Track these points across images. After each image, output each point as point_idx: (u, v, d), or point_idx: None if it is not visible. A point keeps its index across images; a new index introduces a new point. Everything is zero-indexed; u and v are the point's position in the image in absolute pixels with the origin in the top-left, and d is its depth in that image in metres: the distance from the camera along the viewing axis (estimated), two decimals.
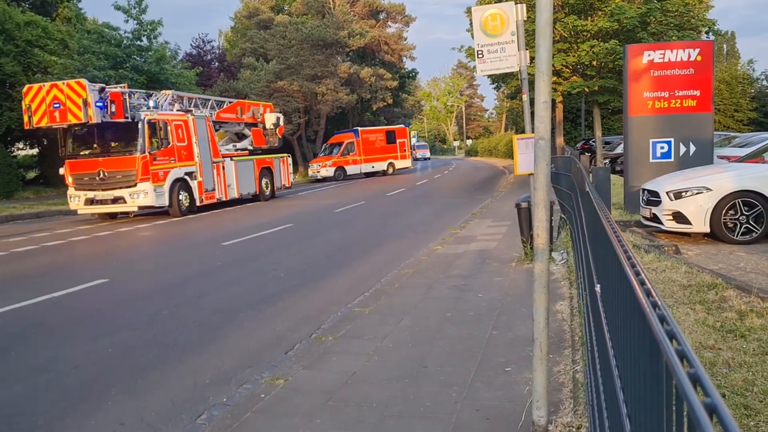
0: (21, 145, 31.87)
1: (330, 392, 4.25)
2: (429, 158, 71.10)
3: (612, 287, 2.13)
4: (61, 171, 16.83)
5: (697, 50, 11.15)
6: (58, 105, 15.10)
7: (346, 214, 16.30)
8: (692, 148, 11.12)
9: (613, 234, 2.07)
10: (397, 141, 37.43)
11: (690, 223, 8.85)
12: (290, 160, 24.59)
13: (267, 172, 22.07)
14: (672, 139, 11.20)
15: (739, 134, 23.82)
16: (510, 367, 4.50)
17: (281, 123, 23.86)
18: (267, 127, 22.94)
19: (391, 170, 36.77)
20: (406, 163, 38.59)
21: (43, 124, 15.51)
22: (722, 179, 8.95)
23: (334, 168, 33.94)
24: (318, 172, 33.99)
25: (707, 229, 8.77)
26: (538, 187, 3.33)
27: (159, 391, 4.62)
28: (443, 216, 15.22)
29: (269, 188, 22.11)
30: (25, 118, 15.53)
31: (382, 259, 9.69)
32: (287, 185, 23.69)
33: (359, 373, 4.59)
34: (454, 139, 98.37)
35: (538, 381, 3.41)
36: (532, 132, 3.62)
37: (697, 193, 8.81)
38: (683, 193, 8.91)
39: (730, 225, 8.65)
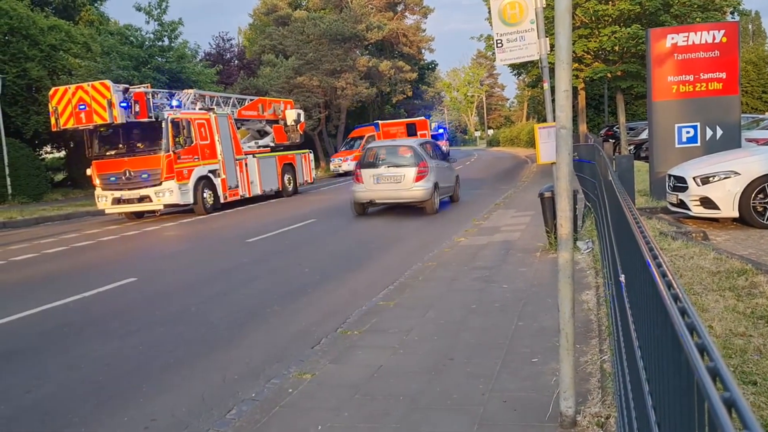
0: (49, 148, 32.49)
1: (357, 386, 4.28)
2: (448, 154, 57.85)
3: (635, 278, 2.12)
4: (88, 172, 17.12)
5: (722, 32, 10.92)
6: (83, 106, 15.33)
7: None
8: (719, 132, 10.91)
9: (635, 224, 2.06)
10: (418, 133, 37.25)
11: (718, 208, 8.70)
12: (312, 155, 24.67)
13: (289, 168, 22.17)
14: (698, 124, 11.01)
15: None
16: (536, 358, 4.49)
17: (302, 119, 23.92)
18: (288, 123, 23.03)
19: None
20: None
21: (70, 125, 15.76)
22: (751, 163, 8.78)
23: (355, 162, 33.92)
24: (340, 166, 34.01)
25: (736, 214, 8.61)
26: (560, 177, 3.30)
27: (189, 387, 4.70)
28: (466, 207, 15.17)
29: (292, 184, 22.22)
30: (52, 121, 15.80)
31: (405, 251, 9.70)
32: (309, 181, 23.77)
33: (385, 367, 4.61)
34: (476, 130, 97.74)
35: (565, 371, 3.40)
36: (554, 121, 3.59)
37: (725, 178, 8.66)
38: (710, 178, 8.76)
39: (760, 209, 8.49)
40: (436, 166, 14.29)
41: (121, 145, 16.66)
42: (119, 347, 5.74)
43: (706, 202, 8.79)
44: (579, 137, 26.42)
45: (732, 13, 23.65)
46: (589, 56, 23.57)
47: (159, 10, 25.97)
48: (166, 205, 16.71)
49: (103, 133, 16.69)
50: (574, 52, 21.03)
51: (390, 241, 10.90)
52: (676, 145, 11.10)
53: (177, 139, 16.47)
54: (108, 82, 15.58)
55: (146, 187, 16.29)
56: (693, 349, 0.90)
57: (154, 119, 16.22)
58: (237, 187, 18.95)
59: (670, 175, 9.67)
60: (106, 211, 17.08)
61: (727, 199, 8.59)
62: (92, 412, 4.34)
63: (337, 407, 3.95)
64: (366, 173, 13.92)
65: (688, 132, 11.07)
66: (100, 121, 15.38)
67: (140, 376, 4.98)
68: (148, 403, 4.43)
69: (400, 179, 13.57)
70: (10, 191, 22.46)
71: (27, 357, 5.63)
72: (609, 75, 23.07)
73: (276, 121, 22.98)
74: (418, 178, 13.46)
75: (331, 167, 35.07)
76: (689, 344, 0.92)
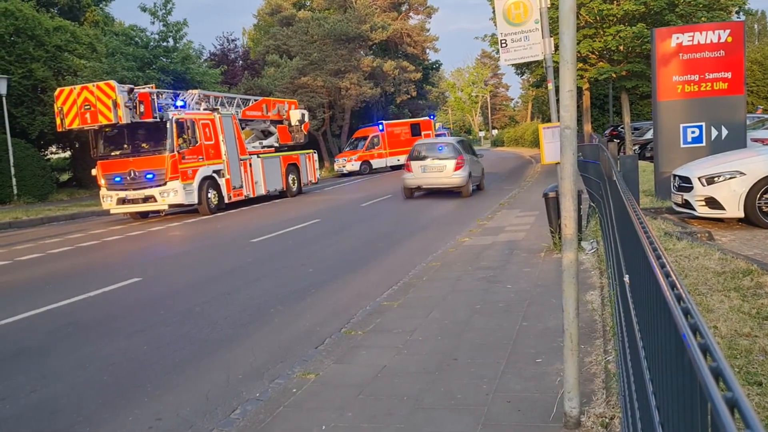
0: (54, 149, 32.59)
1: (360, 386, 4.29)
2: None
3: (639, 278, 2.11)
4: (93, 172, 17.18)
5: (728, 31, 10.89)
6: (88, 107, 15.40)
7: (372, 208, 16.34)
8: (724, 132, 10.88)
9: (638, 224, 2.05)
10: (422, 133, 37.26)
11: (723, 209, 8.67)
12: (316, 155, 24.69)
13: (293, 168, 22.21)
14: (703, 124, 10.98)
15: None
16: (541, 359, 4.49)
17: (306, 119, 23.95)
18: (292, 123, 23.07)
19: None
20: None
21: (75, 126, 15.83)
22: (756, 162, 8.75)
23: (359, 162, 33.94)
24: (344, 166, 34.04)
25: (741, 214, 8.59)
26: (564, 177, 3.30)
27: (193, 386, 4.71)
28: (470, 207, 15.16)
29: (296, 184, 22.25)
30: (58, 121, 15.87)
31: (409, 252, 9.71)
32: (314, 181, 23.81)
33: (389, 367, 4.62)
34: (480, 130, 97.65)
35: (569, 372, 3.40)
36: (558, 121, 3.59)
37: (730, 178, 8.63)
38: (716, 178, 8.73)
39: (765, 209, 8.46)
40: (469, 159, 17.65)
41: (125, 146, 16.71)
42: (124, 347, 5.76)
43: (711, 203, 8.76)
44: (583, 137, 26.36)
45: (737, 12, 23.55)
46: (593, 56, 23.51)
47: (164, 11, 25.99)
48: (170, 205, 16.76)
49: (108, 134, 16.75)
50: (578, 51, 20.99)
51: (394, 240, 10.91)
52: (681, 145, 11.08)
53: (181, 140, 16.53)
54: (113, 83, 15.64)
55: (151, 187, 16.35)
56: (696, 349, 0.90)
57: (158, 119, 16.27)
58: (241, 187, 19.00)
59: (675, 175, 9.65)
60: (111, 211, 17.14)
61: (732, 200, 8.56)
62: (97, 411, 4.36)
63: (341, 407, 3.96)
64: (415, 164, 17.31)
65: (693, 132, 11.05)
66: (105, 122, 15.45)
67: (145, 375, 5.00)
68: (153, 403, 4.44)
69: (443, 169, 16.93)
70: (15, 191, 22.54)
71: (33, 356, 5.66)
72: (614, 75, 23.01)
73: (280, 122, 23.02)
74: (457, 168, 16.84)
75: (335, 167, 35.10)
76: (692, 344, 0.92)
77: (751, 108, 38.99)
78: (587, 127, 28.67)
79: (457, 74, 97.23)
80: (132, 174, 16.41)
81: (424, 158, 17.26)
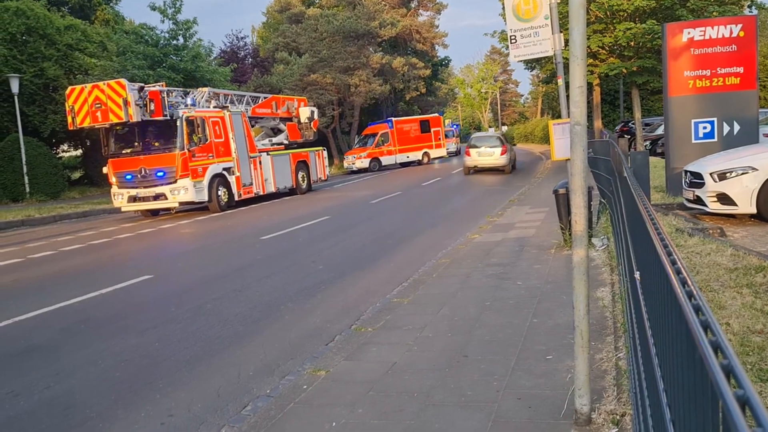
0: (66, 147, 32.82)
1: (371, 382, 4.30)
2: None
3: (650, 275, 2.11)
4: (105, 170, 17.30)
5: (740, 26, 10.79)
6: (99, 105, 15.49)
7: (382, 205, 16.34)
8: (736, 127, 10.79)
9: (649, 220, 2.04)
10: (432, 130, 37.21)
11: (735, 205, 8.61)
12: (325, 152, 24.72)
13: (303, 165, 22.25)
14: (715, 119, 10.89)
15: None
16: (551, 355, 4.48)
17: (316, 116, 23.99)
18: (302, 121, 23.11)
19: (426, 160, 36.61)
20: (441, 152, 38.31)
21: (86, 124, 15.94)
22: None
23: (369, 159, 33.94)
24: (353, 163, 34.06)
25: (754, 210, 8.52)
26: (575, 173, 3.29)
27: (205, 383, 4.74)
28: (480, 204, 15.13)
29: (305, 181, 22.29)
30: (69, 119, 15.98)
31: (419, 249, 9.70)
32: (323, 178, 23.85)
33: (399, 364, 4.62)
34: (489, 126, 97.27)
35: (580, 369, 3.39)
36: (568, 117, 3.57)
37: (743, 173, 8.56)
38: (727, 174, 8.67)
39: None
40: (509, 147, 25.14)
41: (136, 144, 16.80)
42: (136, 344, 5.81)
43: (723, 198, 8.70)
44: (594, 133, 26.22)
45: (749, 6, 23.33)
46: (604, 52, 23.35)
47: (173, 9, 26.09)
48: (181, 203, 16.84)
49: (119, 132, 16.85)
50: (588, 47, 20.84)
51: (404, 237, 10.90)
52: (693, 141, 11.00)
53: (192, 138, 16.59)
54: (123, 81, 15.72)
55: (161, 185, 16.43)
56: (707, 346, 0.90)
57: (168, 117, 16.34)
58: (251, 184, 19.05)
59: (686, 171, 9.58)
60: (122, 209, 17.25)
61: (744, 195, 8.50)
62: (110, 408, 4.39)
63: (351, 404, 3.97)
64: (472, 151, 24.67)
65: (705, 127, 10.97)
66: (115, 120, 15.54)
67: (157, 371, 5.03)
68: (164, 399, 4.47)
69: (492, 154, 24.17)
70: (28, 189, 22.73)
71: (45, 353, 5.71)
72: (624, 70, 22.85)
73: (290, 119, 23.06)
74: (502, 153, 24.05)
75: (345, 164, 35.12)
76: (703, 342, 0.92)
77: (764, 103, 38.58)
78: (598, 123, 28.50)
79: (467, 71, 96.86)
80: (143, 172, 16.49)
81: (479, 146, 24.45)
